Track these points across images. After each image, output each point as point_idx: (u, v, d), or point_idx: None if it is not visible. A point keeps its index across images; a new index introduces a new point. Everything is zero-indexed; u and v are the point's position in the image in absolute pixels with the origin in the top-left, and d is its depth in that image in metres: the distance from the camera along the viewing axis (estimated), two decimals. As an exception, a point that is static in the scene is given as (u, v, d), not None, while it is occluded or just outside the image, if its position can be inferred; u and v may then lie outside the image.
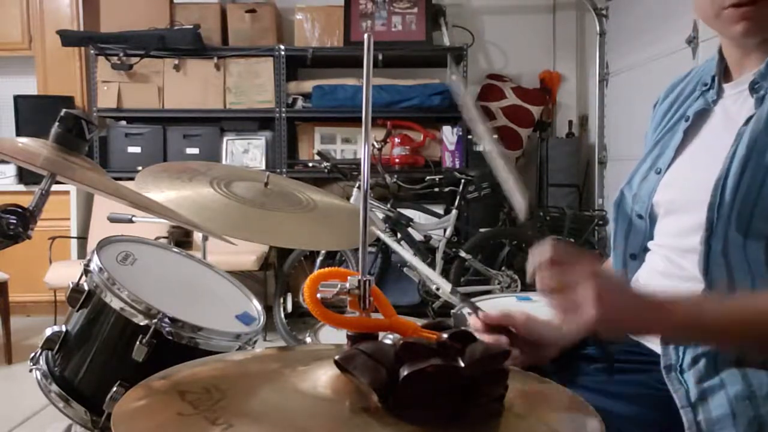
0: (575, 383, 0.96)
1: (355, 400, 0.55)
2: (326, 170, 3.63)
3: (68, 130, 1.05)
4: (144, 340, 1.05)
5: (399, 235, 3.64)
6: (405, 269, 3.69)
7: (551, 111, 4.67)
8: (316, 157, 3.95)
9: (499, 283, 3.69)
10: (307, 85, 4.25)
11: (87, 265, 1.14)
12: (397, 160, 4.15)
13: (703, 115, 0.99)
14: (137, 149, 4.22)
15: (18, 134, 4.11)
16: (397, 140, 4.15)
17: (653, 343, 0.95)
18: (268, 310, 3.45)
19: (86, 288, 1.13)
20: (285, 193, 1.48)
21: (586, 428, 0.58)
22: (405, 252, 1.61)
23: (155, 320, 1.06)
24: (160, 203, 1.17)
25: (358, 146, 4.31)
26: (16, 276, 3.47)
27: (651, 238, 1.02)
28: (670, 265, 0.96)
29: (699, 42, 3.14)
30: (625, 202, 1.06)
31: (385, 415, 0.53)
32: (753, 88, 0.90)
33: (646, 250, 1.03)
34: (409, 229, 3.68)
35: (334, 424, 0.54)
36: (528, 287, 3.61)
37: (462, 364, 0.54)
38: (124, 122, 4.42)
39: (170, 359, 0.72)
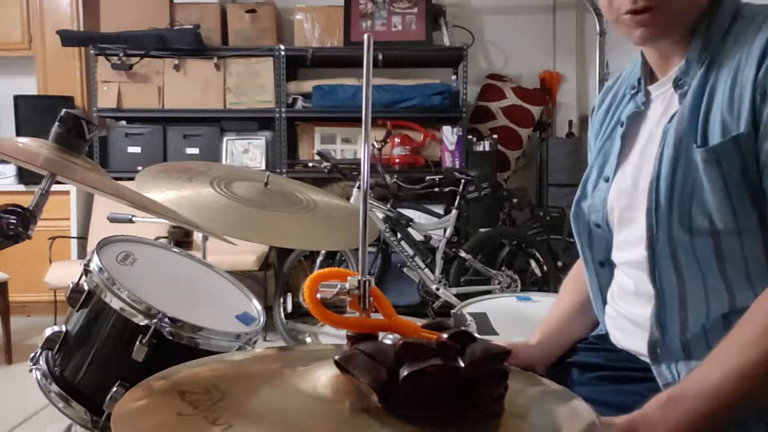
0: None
1: (355, 400, 0.55)
2: (326, 170, 3.63)
3: (68, 130, 1.05)
4: (144, 340, 1.05)
5: (399, 235, 3.64)
6: (405, 269, 3.69)
7: (551, 111, 4.67)
8: (316, 157, 3.95)
9: (499, 283, 3.69)
10: (307, 85, 4.25)
11: (87, 265, 1.14)
12: (397, 160, 4.15)
13: (636, 118, 0.98)
14: (137, 149, 4.22)
15: (18, 134, 4.11)
16: (397, 140, 4.15)
17: (646, 358, 0.94)
18: (268, 310, 3.45)
19: (86, 288, 1.12)
20: (285, 193, 1.48)
21: (585, 428, 0.57)
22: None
23: (155, 320, 1.06)
24: (160, 203, 1.17)
25: (358, 146, 4.31)
26: (16, 276, 3.47)
27: (612, 245, 1.02)
28: (638, 282, 0.95)
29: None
30: (581, 213, 1.06)
31: (385, 415, 0.53)
32: (677, 84, 0.90)
33: (612, 261, 1.03)
34: (409, 229, 3.68)
35: (334, 425, 0.54)
36: (528, 287, 3.58)
37: (462, 364, 0.54)
38: (124, 122, 4.42)
39: (170, 359, 0.72)
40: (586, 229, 1.05)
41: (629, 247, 0.96)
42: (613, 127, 1.03)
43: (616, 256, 1.01)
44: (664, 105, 0.94)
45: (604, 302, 1.06)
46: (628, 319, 0.98)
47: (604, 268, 1.05)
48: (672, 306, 0.88)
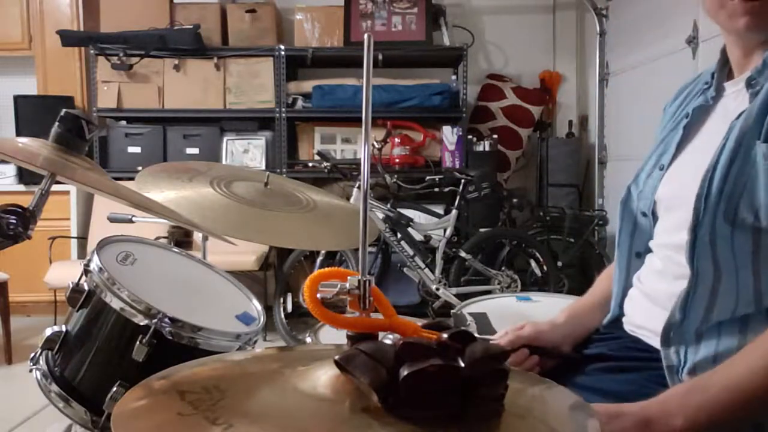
0: (574, 383, 0.96)
1: (355, 400, 0.55)
2: (326, 170, 3.63)
3: (68, 130, 1.05)
4: (144, 340, 1.05)
5: (399, 235, 3.64)
6: (405, 269, 3.69)
7: (551, 111, 4.67)
8: (316, 157, 3.95)
9: (499, 283, 3.69)
10: (307, 85, 4.25)
11: (87, 265, 1.14)
12: (397, 160, 4.15)
13: (702, 111, 0.99)
14: (137, 149, 4.22)
15: (18, 134, 4.12)
16: (397, 140, 4.15)
17: (653, 339, 0.95)
18: (268, 310, 3.45)
19: (86, 288, 1.12)
20: (285, 193, 1.48)
21: (585, 428, 0.57)
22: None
23: (155, 320, 1.06)
24: (160, 203, 1.17)
25: (358, 146, 4.31)
26: (16, 276, 3.47)
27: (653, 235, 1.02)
28: (668, 263, 0.96)
29: (699, 42, 3.14)
30: (631, 199, 1.07)
31: (385, 415, 0.53)
32: (749, 84, 0.91)
33: (649, 250, 1.04)
34: (409, 229, 3.68)
35: (334, 424, 0.53)
36: (528, 287, 3.59)
37: (462, 364, 0.53)
38: (124, 122, 4.42)
39: (170, 359, 0.72)
40: (632, 217, 1.06)
41: (669, 232, 0.97)
42: (680, 119, 1.04)
43: (655, 240, 1.01)
44: (735, 103, 0.94)
45: (625, 288, 1.07)
46: (648, 296, 0.99)
47: (639, 258, 1.06)
48: (703, 293, 0.88)
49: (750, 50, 0.94)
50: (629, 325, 1.03)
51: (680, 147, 1.00)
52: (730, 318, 0.87)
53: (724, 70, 1.00)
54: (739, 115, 0.89)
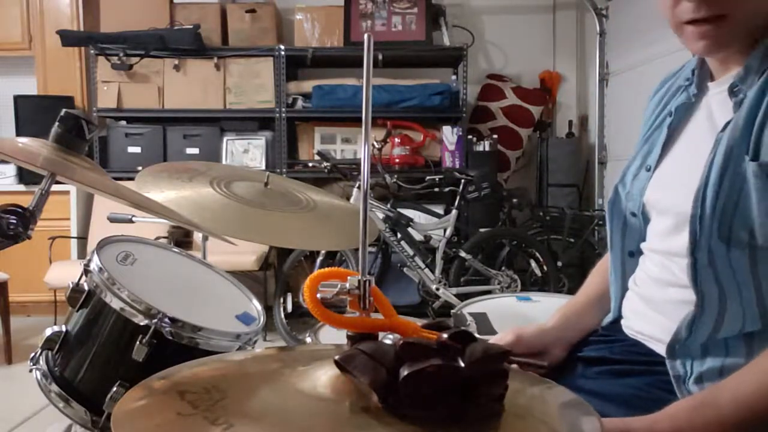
0: (571, 385, 0.96)
1: (355, 400, 0.55)
2: (326, 170, 3.63)
3: (68, 130, 1.05)
4: (144, 340, 1.05)
5: (399, 235, 3.64)
6: (405, 269, 3.70)
7: (551, 111, 4.67)
8: (316, 157, 3.95)
9: (499, 283, 3.69)
10: (307, 85, 4.25)
11: (87, 265, 1.14)
12: (397, 160, 4.15)
13: (685, 110, 0.98)
14: (137, 149, 4.22)
15: (18, 134, 4.12)
16: (397, 140, 4.15)
17: (654, 344, 0.95)
18: (268, 310, 3.45)
19: (86, 288, 1.12)
20: (285, 193, 1.48)
21: (585, 429, 0.57)
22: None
23: (155, 320, 1.06)
24: (160, 203, 1.17)
25: (358, 146, 4.31)
26: (16, 276, 3.48)
27: (645, 236, 1.02)
28: (663, 270, 0.95)
29: (699, 42, 3.14)
30: (619, 200, 1.05)
31: (385, 415, 0.53)
32: (732, 91, 0.89)
33: (642, 250, 1.03)
34: (409, 229, 3.68)
35: (334, 424, 0.53)
36: (528, 287, 3.58)
37: (462, 364, 0.53)
38: (124, 122, 4.42)
39: (170, 359, 0.72)
40: (621, 217, 1.05)
41: (661, 237, 0.96)
42: (663, 117, 1.02)
43: (647, 243, 1.01)
44: (719, 106, 0.93)
45: (623, 290, 1.06)
46: (645, 300, 0.98)
47: (633, 258, 1.04)
48: (710, 315, 0.87)
49: (726, 60, 0.92)
50: (628, 328, 1.02)
51: (666, 147, 0.99)
52: (736, 334, 0.86)
53: (705, 65, 0.98)
54: (725, 127, 0.87)
